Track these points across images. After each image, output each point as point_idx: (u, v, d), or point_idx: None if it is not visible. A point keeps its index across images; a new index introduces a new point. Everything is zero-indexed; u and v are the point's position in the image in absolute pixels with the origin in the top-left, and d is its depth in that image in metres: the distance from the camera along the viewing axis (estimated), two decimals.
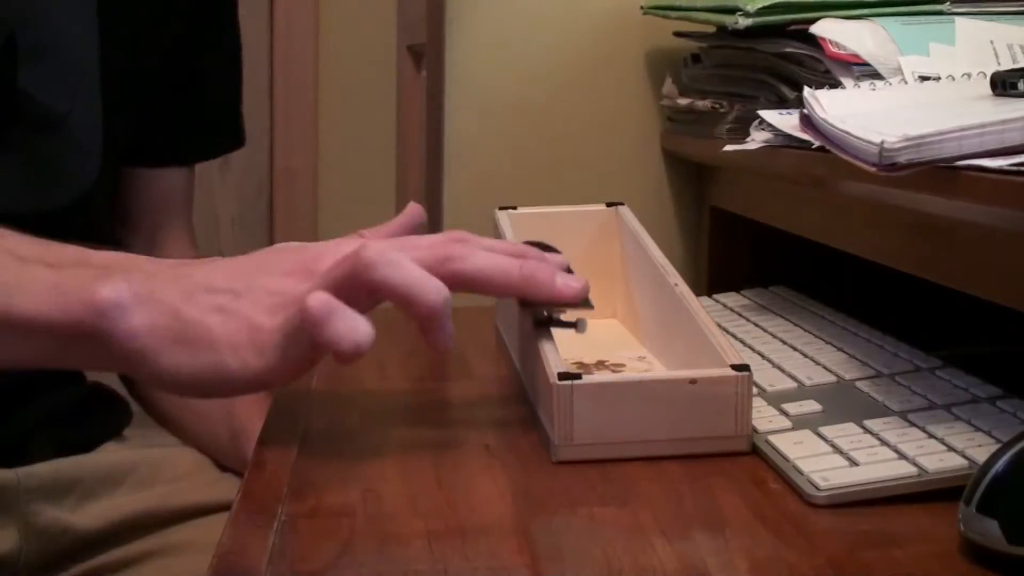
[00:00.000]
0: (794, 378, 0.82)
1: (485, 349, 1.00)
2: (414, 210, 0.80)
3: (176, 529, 1.08)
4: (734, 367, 0.72)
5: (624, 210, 1.01)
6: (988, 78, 0.76)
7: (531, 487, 0.69)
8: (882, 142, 0.67)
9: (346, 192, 2.81)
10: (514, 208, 1.03)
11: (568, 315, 0.80)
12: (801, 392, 0.80)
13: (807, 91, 0.82)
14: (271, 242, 3.06)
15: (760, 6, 0.96)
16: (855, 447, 0.68)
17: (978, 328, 0.87)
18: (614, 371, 0.87)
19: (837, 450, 0.69)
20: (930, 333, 0.86)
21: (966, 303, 0.76)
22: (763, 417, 0.75)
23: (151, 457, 1.11)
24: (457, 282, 0.72)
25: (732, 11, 0.98)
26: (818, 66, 0.92)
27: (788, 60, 0.97)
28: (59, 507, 1.03)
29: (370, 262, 0.68)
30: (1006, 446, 0.58)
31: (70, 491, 1.04)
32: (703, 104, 1.11)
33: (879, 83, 0.85)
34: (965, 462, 0.65)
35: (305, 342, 0.68)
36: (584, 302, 0.77)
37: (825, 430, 0.72)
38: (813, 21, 0.92)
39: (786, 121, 0.86)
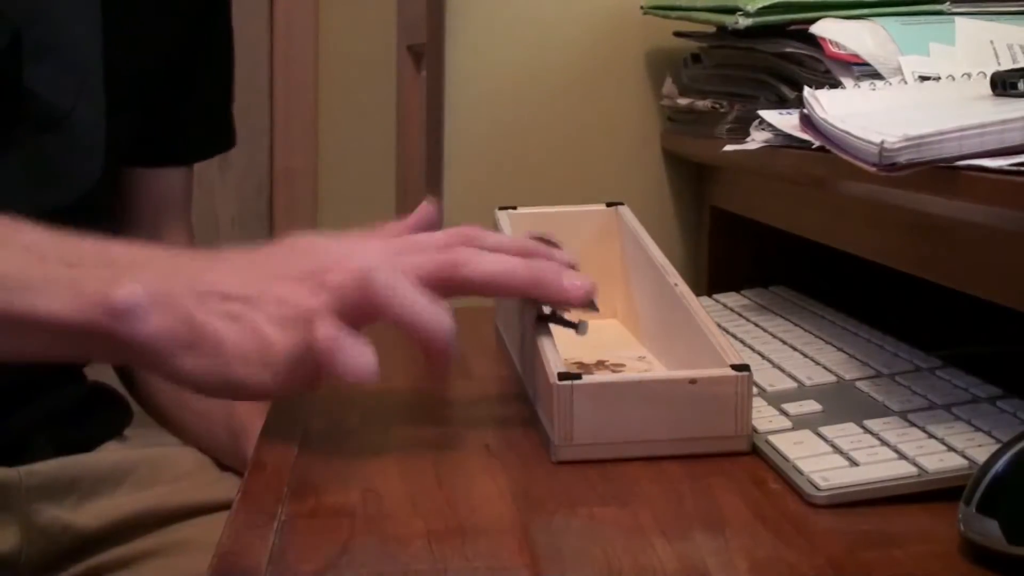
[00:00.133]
0: (794, 378, 0.82)
1: (485, 349, 1.00)
2: (427, 209, 0.81)
3: (176, 528, 1.08)
4: (734, 367, 0.72)
5: (624, 210, 1.01)
6: (988, 78, 0.76)
7: (531, 487, 0.69)
8: (882, 142, 0.67)
9: (346, 192, 2.81)
10: (514, 208, 1.03)
11: (571, 315, 0.80)
12: (801, 392, 0.80)
13: (807, 91, 0.82)
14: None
15: (760, 6, 0.96)
16: (855, 447, 0.69)
17: (978, 328, 0.87)
18: (614, 371, 0.87)
19: (837, 450, 0.69)
20: (930, 333, 0.86)
21: (966, 303, 0.76)
22: (763, 417, 0.75)
23: (152, 456, 1.11)
24: (466, 289, 0.74)
25: (732, 11, 0.98)
26: (818, 66, 0.92)
27: (788, 60, 0.97)
28: (60, 506, 1.03)
29: (378, 290, 0.69)
30: (1006, 446, 0.58)
31: (71, 490, 1.04)
32: (703, 104, 1.11)
33: (879, 83, 0.85)
34: (965, 462, 0.65)
35: (312, 363, 0.70)
36: (590, 304, 0.78)
37: (825, 430, 0.72)
38: (813, 21, 0.92)
39: (786, 121, 0.86)
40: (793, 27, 0.95)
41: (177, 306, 0.70)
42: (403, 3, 2.18)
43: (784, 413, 0.76)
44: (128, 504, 1.06)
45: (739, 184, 1.14)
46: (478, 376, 0.93)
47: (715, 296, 1.10)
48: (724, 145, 0.95)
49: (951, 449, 0.67)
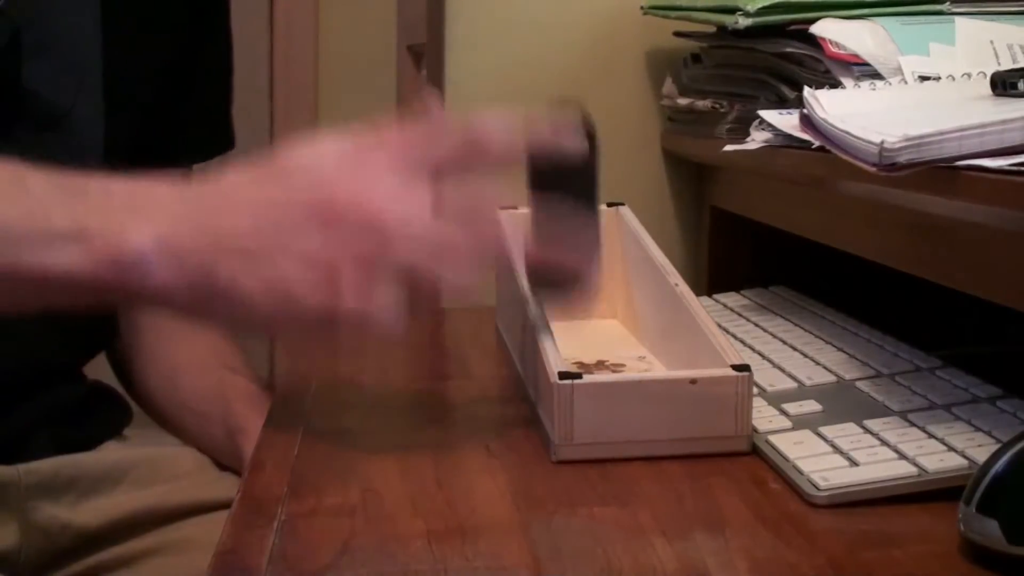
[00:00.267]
0: (794, 378, 0.82)
1: (485, 349, 1.00)
2: (430, 111, 0.76)
3: (175, 527, 1.08)
4: (734, 367, 0.72)
5: (624, 210, 1.01)
6: (988, 78, 0.76)
7: (531, 487, 0.69)
8: (882, 142, 0.67)
9: None
10: (514, 208, 1.02)
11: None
12: (801, 392, 0.80)
13: (807, 91, 0.82)
14: None
15: (760, 6, 0.95)
16: (855, 447, 0.68)
17: (978, 328, 0.87)
18: (614, 371, 0.87)
19: (837, 450, 0.69)
20: (930, 333, 0.86)
21: (966, 303, 0.76)
22: (763, 417, 0.75)
23: (151, 455, 1.11)
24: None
25: (732, 11, 0.98)
26: (818, 66, 0.92)
27: (788, 60, 0.97)
28: (59, 504, 1.03)
29: (389, 230, 0.68)
30: (1006, 446, 0.58)
31: (70, 488, 1.04)
32: (703, 104, 1.11)
33: (879, 83, 0.85)
34: (965, 462, 0.65)
35: (339, 325, 0.68)
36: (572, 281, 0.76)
37: (825, 430, 0.72)
38: (813, 21, 0.92)
39: (786, 121, 0.86)
40: (793, 27, 0.95)
41: (192, 256, 0.68)
42: (403, 3, 2.18)
43: (784, 413, 0.76)
44: (127, 503, 1.06)
45: (739, 184, 1.14)
46: (478, 376, 0.93)
47: (715, 296, 1.10)
48: (724, 145, 0.95)
49: (951, 449, 0.67)
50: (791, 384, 0.81)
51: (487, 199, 0.73)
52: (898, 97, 0.83)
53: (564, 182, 0.76)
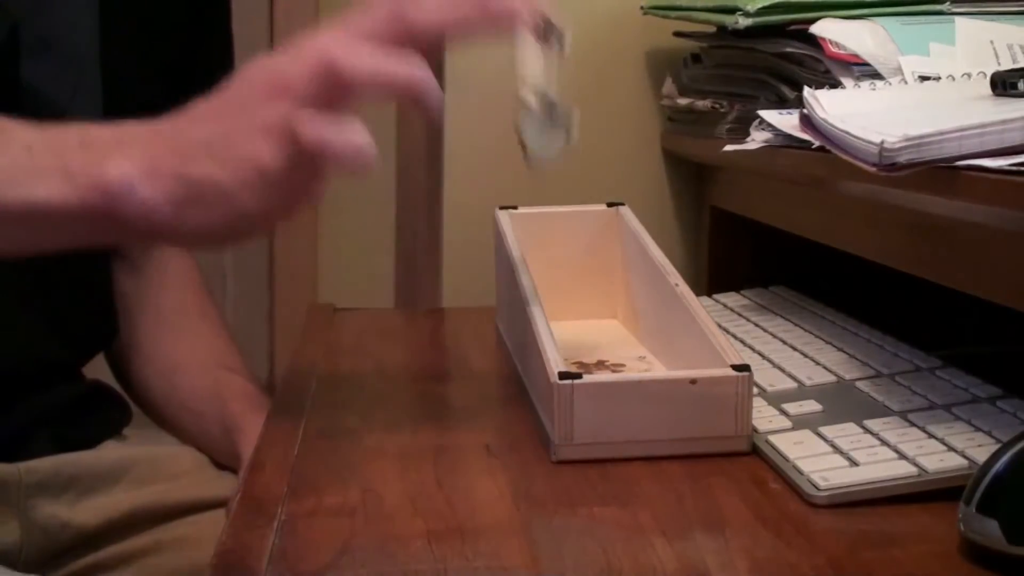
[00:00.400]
0: (794, 378, 0.82)
1: (485, 349, 1.00)
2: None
3: (174, 525, 1.08)
4: (734, 367, 0.72)
5: (625, 210, 1.01)
6: (988, 78, 0.76)
7: (531, 487, 0.69)
8: (882, 142, 0.67)
9: (346, 192, 2.80)
10: (514, 208, 1.03)
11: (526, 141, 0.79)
12: (801, 392, 0.80)
13: (807, 91, 0.82)
14: (272, 243, 3.05)
15: (760, 6, 0.95)
16: (855, 447, 0.68)
17: (978, 328, 0.87)
18: (614, 371, 0.87)
19: (837, 450, 0.69)
20: (930, 333, 0.86)
21: (966, 303, 0.76)
22: (763, 417, 0.75)
23: (151, 454, 1.11)
24: (419, 39, 0.72)
25: (732, 11, 0.98)
26: (818, 66, 0.92)
27: (788, 60, 0.97)
28: (59, 502, 1.03)
29: (336, 63, 0.69)
30: (1006, 446, 0.58)
31: (70, 487, 1.04)
32: (703, 104, 1.11)
33: (879, 83, 0.85)
34: (965, 462, 0.65)
35: (308, 165, 0.69)
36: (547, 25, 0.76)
37: (825, 430, 0.72)
38: (813, 21, 0.92)
39: (786, 121, 0.86)
40: (793, 27, 0.95)
41: (166, 168, 0.70)
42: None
43: (784, 413, 0.76)
44: (127, 501, 1.07)
45: (739, 184, 1.14)
46: (478, 376, 0.93)
47: (715, 296, 1.10)
48: (724, 145, 0.95)
49: (951, 449, 0.67)
50: (791, 384, 0.81)
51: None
52: (898, 97, 0.83)
53: None
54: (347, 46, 0.69)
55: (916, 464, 0.66)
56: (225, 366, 1.13)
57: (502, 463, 0.72)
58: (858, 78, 0.88)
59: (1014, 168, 0.63)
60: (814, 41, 0.91)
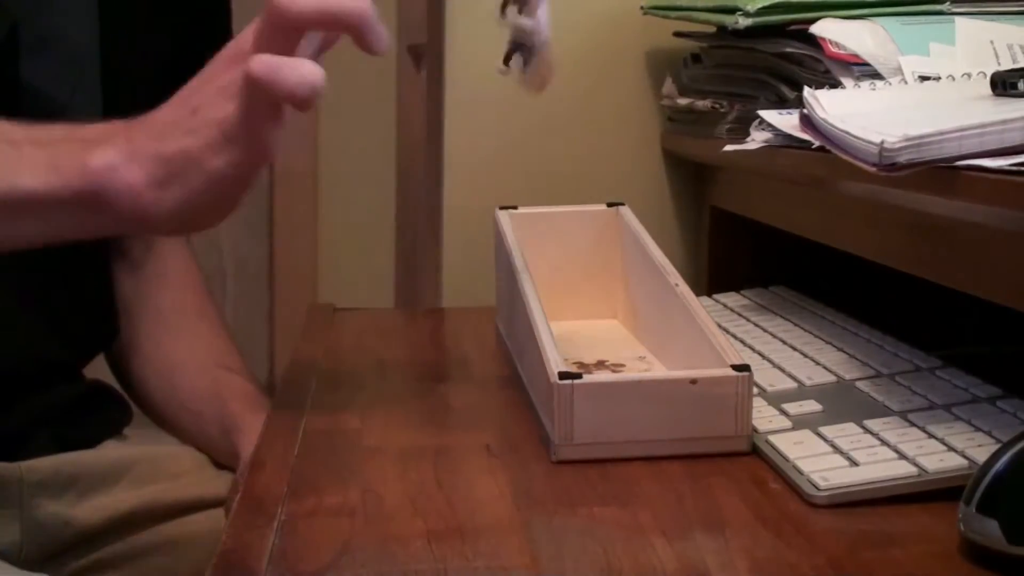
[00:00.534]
0: (794, 378, 0.82)
1: (485, 349, 1.00)
2: None
3: (174, 523, 1.08)
4: (734, 367, 0.72)
5: (625, 210, 1.01)
6: (988, 78, 0.76)
7: (531, 487, 0.69)
8: (882, 142, 0.67)
9: (346, 192, 2.81)
10: (514, 208, 1.03)
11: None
12: (801, 392, 0.80)
13: (807, 91, 0.82)
14: (272, 243, 3.04)
15: (760, 6, 0.95)
16: (855, 447, 0.69)
17: (978, 328, 0.87)
18: (614, 371, 0.87)
19: (837, 450, 0.69)
20: (930, 333, 0.86)
21: (966, 303, 0.76)
22: (763, 417, 0.75)
23: (151, 454, 1.11)
24: None
25: (732, 11, 0.98)
26: (818, 66, 0.92)
27: (788, 60, 0.97)
28: (60, 501, 1.03)
29: (281, 5, 0.71)
30: (1006, 446, 0.58)
31: (71, 486, 1.04)
32: (703, 104, 1.11)
33: (879, 83, 0.85)
34: (965, 462, 0.65)
35: (266, 109, 0.72)
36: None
37: (825, 430, 0.72)
38: (813, 21, 0.92)
39: (786, 121, 0.86)
40: (793, 27, 0.95)
41: (145, 151, 0.74)
42: (403, 3, 2.17)
43: (784, 413, 0.76)
44: (127, 500, 1.07)
45: (739, 184, 1.14)
46: (478, 376, 0.93)
47: (715, 296, 1.10)
48: (724, 145, 0.95)
49: (951, 449, 0.67)
50: (791, 384, 0.81)
51: None
52: (898, 97, 0.83)
53: None
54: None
55: (916, 464, 0.66)
56: (225, 366, 1.13)
57: (502, 463, 0.72)
58: (858, 78, 0.88)
59: (1014, 168, 0.63)
60: (814, 41, 0.91)
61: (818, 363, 0.84)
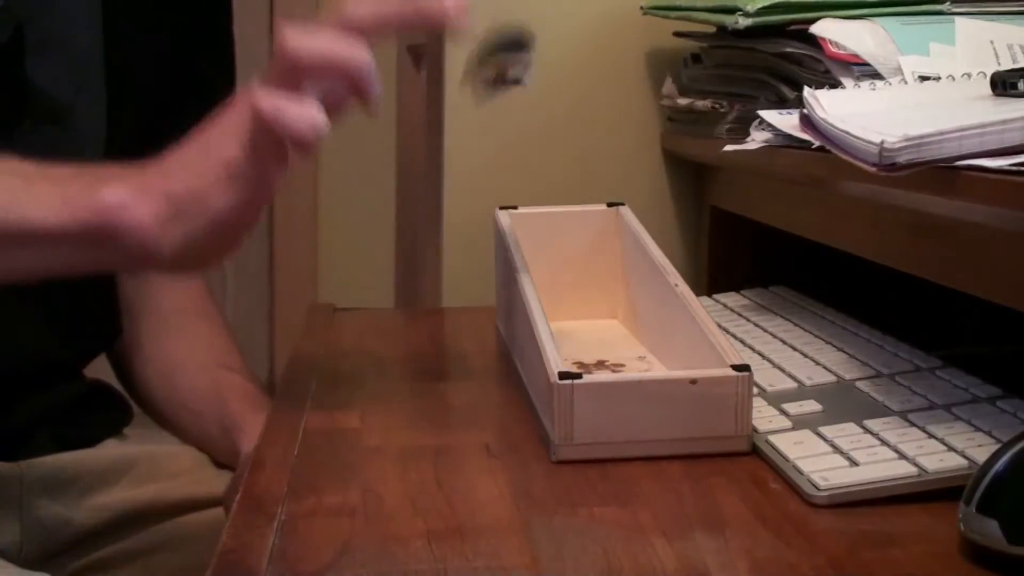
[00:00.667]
0: (794, 378, 0.82)
1: (485, 349, 1.00)
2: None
3: (175, 523, 1.08)
4: (734, 367, 0.72)
5: (625, 210, 1.01)
6: (988, 78, 0.76)
7: (531, 487, 0.69)
8: (882, 142, 0.67)
9: (346, 192, 2.80)
10: (514, 208, 1.03)
11: (511, 72, 0.83)
12: (801, 392, 0.80)
13: (807, 91, 0.82)
14: (272, 243, 3.05)
15: (760, 6, 0.95)
16: (855, 447, 0.68)
17: (978, 328, 0.87)
18: (614, 371, 0.87)
19: (837, 450, 0.69)
20: (930, 333, 0.86)
21: (966, 303, 0.76)
22: (763, 417, 0.75)
23: (151, 453, 1.11)
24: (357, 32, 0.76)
25: (732, 11, 0.98)
26: (818, 66, 0.92)
27: (788, 60, 0.97)
28: (60, 501, 1.03)
29: (290, 48, 0.73)
30: (1006, 446, 0.58)
31: (71, 485, 1.04)
32: (703, 104, 1.11)
33: (879, 83, 0.85)
34: (965, 462, 0.65)
35: (270, 148, 0.73)
36: (515, 43, 0.80)
37: (825, 430, 0.72)
38: (813, 21, 0.92)
39: (786, 121, 0.86)
40: (793, 27, 0.95)
41: (153, 190, 0.75)
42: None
43: (784, 413, 0.76)
44: (127, 499, 1.07)
45: (739, 184, 1.14)
46: (478, 376, 0.93)
47: (715, 296, 1.10)
48: (724, 145, 0.95)
49: (951, 449, 0.67)
50: (791, 384, 0.81)
51: None
52: (898, 97, 0.83)
53: None
54: (300, 34, 0.74)
55: (916, 464, 0.66)
56: (225, 365, 1.13)
57: (502, 463, 0.72)
58: (858, 78, 0.88)
59: (1014, 168, 0.63)
60: (814, 41, 0.91)
61: (818, 363, 0.84)
